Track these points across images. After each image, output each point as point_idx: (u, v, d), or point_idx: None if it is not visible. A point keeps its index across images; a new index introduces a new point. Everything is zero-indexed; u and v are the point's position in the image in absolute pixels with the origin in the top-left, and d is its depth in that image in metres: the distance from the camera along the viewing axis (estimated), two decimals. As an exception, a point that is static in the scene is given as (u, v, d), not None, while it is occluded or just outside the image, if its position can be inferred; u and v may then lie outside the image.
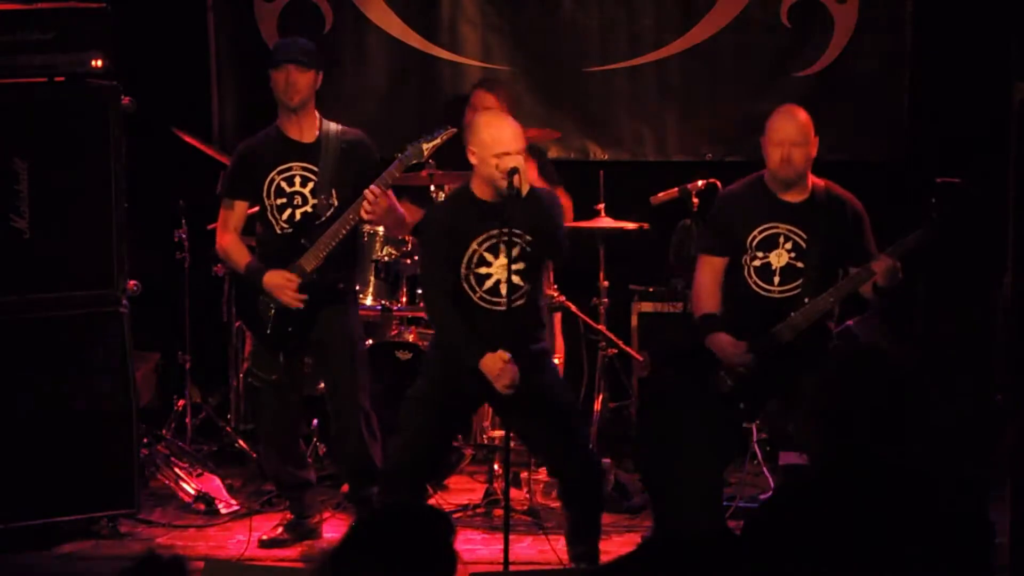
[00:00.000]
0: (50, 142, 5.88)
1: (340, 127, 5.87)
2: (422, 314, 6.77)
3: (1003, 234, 5.43)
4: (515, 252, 5.19)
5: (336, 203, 5.73)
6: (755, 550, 3.06)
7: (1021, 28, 6.16)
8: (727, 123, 7.38)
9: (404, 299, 6.74)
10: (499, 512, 5.90)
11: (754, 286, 5.58)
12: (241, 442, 6.96)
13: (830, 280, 5.54)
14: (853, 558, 3.07)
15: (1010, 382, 5.55)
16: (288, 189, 5.76)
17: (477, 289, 5.25)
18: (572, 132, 7.44)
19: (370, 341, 6.76)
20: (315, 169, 5.75)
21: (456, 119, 7.20)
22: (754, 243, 5.57)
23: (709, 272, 5.65)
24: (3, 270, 5.86)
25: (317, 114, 5.85)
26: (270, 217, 5.78)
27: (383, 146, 7.55)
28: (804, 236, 5.53)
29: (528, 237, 5.21)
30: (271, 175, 5.75)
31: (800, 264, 5.54)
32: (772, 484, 6.28)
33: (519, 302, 5.24)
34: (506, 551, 5.37)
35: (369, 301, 6.64)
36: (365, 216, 5.63)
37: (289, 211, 5.76)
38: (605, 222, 6.82)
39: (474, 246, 5.22)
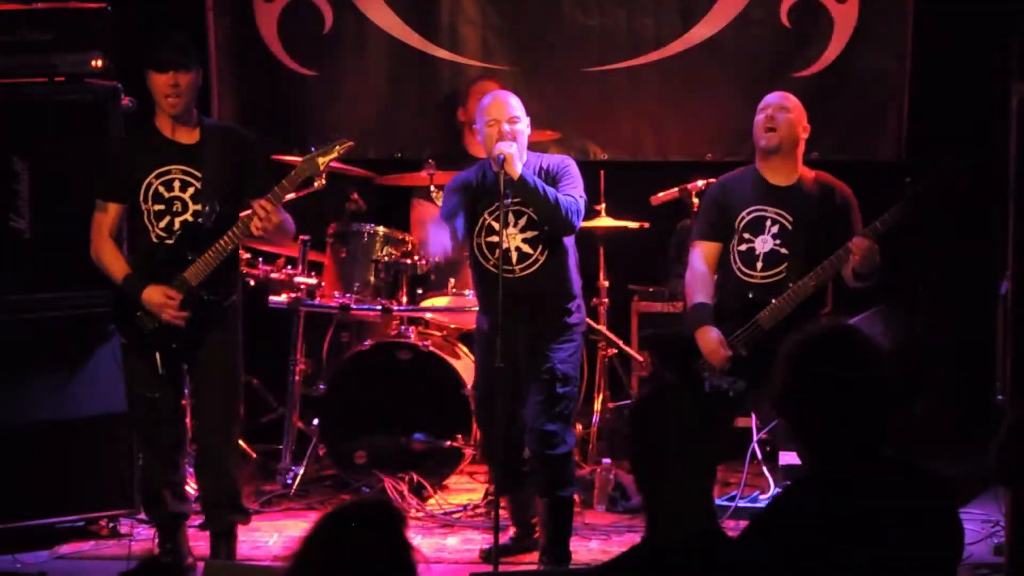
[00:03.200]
0: (50, 142, 5.88)
1: (219, 123, 5.55)
2: (422, 314, 6.79)
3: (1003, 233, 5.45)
4: (522, 221, 5.43)
5: (219, 209, 5.37)
6: (755, 552, 3.06)
7: (1021, 28, 6.15)
8: (727, 123, 7.38)
9: (404, 299, 6.75)
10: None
11: (738, 271, 5.64)
12: (241, 442, 6.96)
13: (815, 267, 5.55)
14: (848, 559, 3.07)
15: (1010, 382, 5.56)
16: (167, 194, 5.38)
17: (490, 257, 5.44)
18: (572, 132, 7.44)
19: (369, 341, 6.79)
20: (197, 174, 5.37)
21: (455, 114, 7.24)
22: (741, 225, 5.63)
23: (701, 258, 5.71)
24: (3, 270, 5.86)
25: (196, 112, 5.47)
26: (146, 223, 5.40)
27: (383, 146, 7.63)
28: (790, 219, 5.58)
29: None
30: (148, 179, 5.37)
31: (784, 250, 5.58)
32: (772, 484, 6.28)
33: (530, 270, 5.44)
34: (496, 552, 5.40)
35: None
36: (255, 232, 5.29)
37: (168, 218, 5.38)
38: (605, 222, 6.83)
39: (484, 215, 5.46)
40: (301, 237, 6.75)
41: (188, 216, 5.38)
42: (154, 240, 5.40)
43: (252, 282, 6.82)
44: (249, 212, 5.33)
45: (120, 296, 5.43)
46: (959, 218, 6.89)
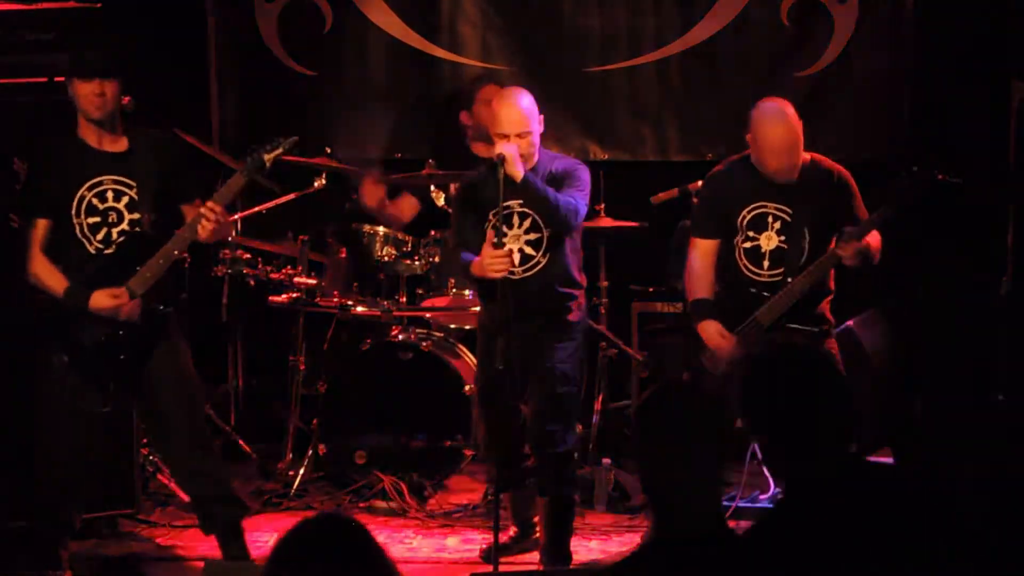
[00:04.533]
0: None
1: (144, 130, 5.42)
2: (422, 314, 6.79)
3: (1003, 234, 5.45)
4: (527, 223, 5.44)
5: (155, 216, 5.26)
6: (760, 554, 3.06)
7: (1021, 28, 6.16)
8: (727, 123, 7.35)
9: (404, 299, 6.74)
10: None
11: (744, 269, 5.61)
12: (241, 442, 6.97)
13: (817, 259, 5.54)
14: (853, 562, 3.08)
15: (1010, 382, 5.56)
16: (100, 206, 5.25)
17: None
18: (572, 132, 7.44)
19: (369, 341, 6.78)
20: (130, 183, 5.26)
21: (455, 115, 7.23)
22: (744, 223, 5.60)
23: (700, 255, 5.68)
24: (2, 269, 5.85)
25: (121, 120, 5.32)
26: (80, 236, 5.26)
27: (383, 146, 7.63)
28: (791, 212, 5.53)
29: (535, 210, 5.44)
30: (80, 191, 5.24)
31: (788, 246, 5.55)
32: (772, 484, 6.28)
33: (531, 272, 5.46)
34: (495, 552, 5.39)
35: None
36: (202, 235, 5.17)
37: (104, 230, 5.26)
38: (605, 222, 6.83)
39: (491, 217, 5.45)
40: (301, 237, 6.75)
41: (124, 226, 5.27)
42: (92, 252, 5.27)
43: (252, 282, 6.82)
44: (196, 215, 5.20)
45: (57, 313, 5.30)
46: (959, 219, 6.90)
